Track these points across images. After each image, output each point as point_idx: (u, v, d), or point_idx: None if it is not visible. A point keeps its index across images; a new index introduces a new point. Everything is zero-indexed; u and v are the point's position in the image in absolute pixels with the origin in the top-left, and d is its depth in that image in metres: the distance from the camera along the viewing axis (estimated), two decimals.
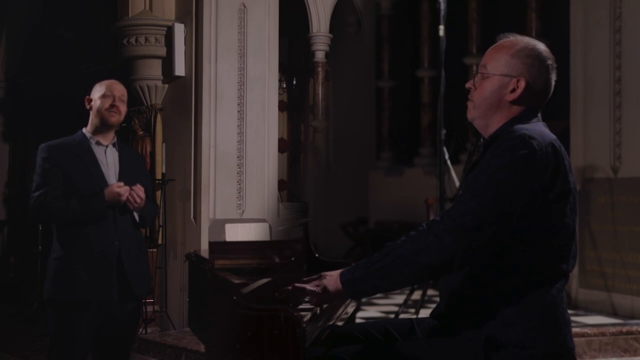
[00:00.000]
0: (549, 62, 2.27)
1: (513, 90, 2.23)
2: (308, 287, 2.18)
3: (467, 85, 2.32)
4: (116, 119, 3.46)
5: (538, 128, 2.18)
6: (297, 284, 2.22)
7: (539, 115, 2.28)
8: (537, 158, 2.06)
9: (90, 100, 3.49)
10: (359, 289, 2.10)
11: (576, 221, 2.17)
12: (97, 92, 3.47)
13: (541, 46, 2.29)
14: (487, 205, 2.03)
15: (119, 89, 3.50)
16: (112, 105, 3.43)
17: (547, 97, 2.28)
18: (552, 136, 2.18)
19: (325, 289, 2.14)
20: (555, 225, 2.11)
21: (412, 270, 2.05)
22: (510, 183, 2.04)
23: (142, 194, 3.40)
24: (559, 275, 2.15)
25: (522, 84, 2.22)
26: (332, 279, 2.14)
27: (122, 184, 3.37)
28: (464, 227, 2.02)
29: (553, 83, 2.29)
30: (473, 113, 2.30)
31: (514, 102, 2.23)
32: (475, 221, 2.02)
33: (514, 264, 2.10)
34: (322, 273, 2.22)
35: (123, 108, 3.49)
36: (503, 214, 2.03)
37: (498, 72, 2.24)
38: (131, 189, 3.37)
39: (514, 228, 2.06)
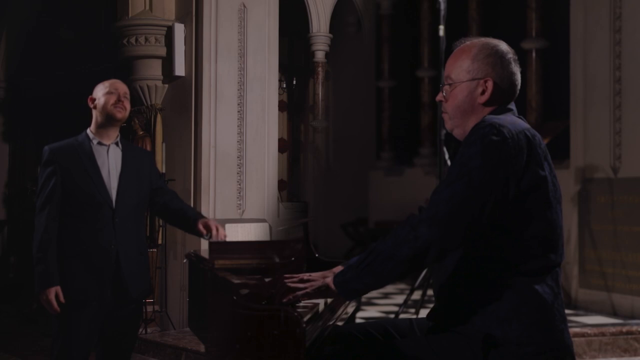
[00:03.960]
0: (510, 55, 2.29)
1: (483, 92, 2.25)
2: (298, 285, 2.24)
3: (438, 98, 2.36)
4: (122, 114, 3.45)
5: (509, 118, 2.20)
6: (286, 282, 2.27)
7: (514, 109, 2.30)
8: (508, 145, 2.07)
9: (93, 100, 3.48)
10: (351, 289, 2.17)
11: (559, 210, 2.18)
12: (101, 90, 3.47)
13: (498, 43, 2.31)
14: (460, 193, 2.05)
15: (123, 87, 3.51)
16: (117, 101, 3.43)
17: (515, 90, 2.31)
18: (525, 125, 2.19)
19: (320, 287, 2.21)
20: (536, 214, 2.12)
21: (394, 264, 2.09)
22: (482, 170, 2.05)
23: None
24: (549, 266, 2.15)
25: (490, 84, 2.25)
26: (329, 280, 2.21)
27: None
28: (437, 216, 2.04)
29: (519, 75, 2.31)
30: (450, 124, 2.33)
31: (486, 104, 2.26)
32: (449, 209, 2.04)
33: (501, 257, 2.11)
34: (309, 275, 2.30)
35: (128, 105, 3.49)
36: (476, 201, 2.05)
37: (464, 78, 2.27)
38: None
39: (494, 218, 2.07)
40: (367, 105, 10.16)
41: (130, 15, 6.46)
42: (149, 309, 6.05)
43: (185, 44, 6.29)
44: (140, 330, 5.77)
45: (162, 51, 6.44)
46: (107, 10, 7.63)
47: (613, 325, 5.87)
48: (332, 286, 2.18)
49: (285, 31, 7.23)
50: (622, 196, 6.37)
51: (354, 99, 9.97)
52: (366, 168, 10.09)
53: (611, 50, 6.47)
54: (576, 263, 6.75)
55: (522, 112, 8.08)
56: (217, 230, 3.42)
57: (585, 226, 6.65)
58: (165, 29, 6.40)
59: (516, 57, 2.30)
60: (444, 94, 2.32)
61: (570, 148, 6.85)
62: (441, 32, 5.91)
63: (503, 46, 2.29)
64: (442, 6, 5.88)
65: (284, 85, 8.95)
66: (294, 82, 9.36)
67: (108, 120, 3.44)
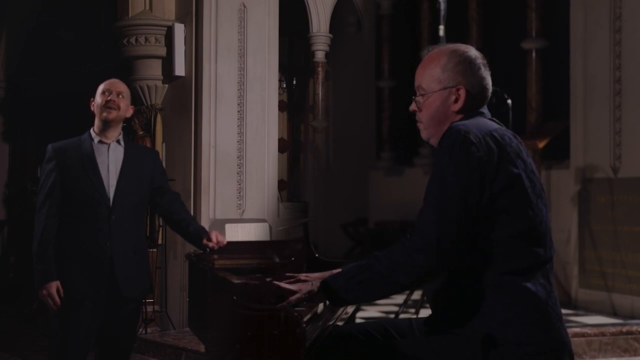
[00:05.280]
0: (479, 60, 2.29)
1: (456, 100, 2.27)
2: (289, 287, 2.24)
3: (411, 108, 2.37)
4: (114, 114, 3.42)
5: (476, 122, 2.21)
6: (276, 283, 2.28)
7: (486, 112, 2.31)
8: (476, 149, 2.09)
9: (92, 102, 3.49)
10: (340, 298, 2.19)
11: (541, 205, 2.18)
12: (98, 92, 3.48)
13: (466, 48, 2.31)
14: (445, 209, 2.06)
15: (117, 86, 3.48)
16: (107, 102, 3.42)
17: (487, 94, 2.32)
18: (493, 127, 2.19)
19: (312, 291, 2.22)
20: (516, 212, 2.12)
21: (388, 285, 2.12)
22: (458, 180, 2.07)
23: None
24: (539, 263, 2.15)
25: (462, 92, 2.26)
26: (317, 283, 2.23)
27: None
28: (432, 242, 2.05)
29: (489, 79, 2.32)
30: (426, 133, 2.35)
31: (459, 111, 2.27)
32: (440, 231, 2.05)
33: (488, 259, 2.11)
34: (306, 275, 2.31)
35: (122, 103, 3.46)
36: (462, 211, 2.06)
37: (436, 88, 2.28)
38: None
39: (477, 222, 2.08)
40: (367, 105, 10.16)
41: (130, 15, 6.46)
42: (149, 309, 6.05)
43: (185, 44, 6.29)
44: (140, 330, 5.77)
45: (162, 51, 6.44)
46: (107, 10, 7.63)
47: (613, 325, 5.87)
48: (321, 292, 2.20)
49: (285, 31, 7.23)
50: (622, 196, 6.37)
51: (354, 99, 9.97)
52: (366, 168, 10.09)
53: (611, 50, 6.47)
54: (576, 263, 6.75)
55: (522, 112, 8.09)
56: (217, 239, 3.41)
57: (585, 226, 6.65)
58: (165, 29, 6.40)
59: (485, 62, 2.31)
60: (417, 104, 2.33)
61: (570, 148, 6.85)
62: (441, 32, 5.91)
63: (472, 52, 2.30)
64: (442, 6, 5.88)
65: (284, 85, 8.95)
66: (294, 82, 9.36)
67: (103, 120, 3.44)
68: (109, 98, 3.42)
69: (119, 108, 3.44)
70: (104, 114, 3.42)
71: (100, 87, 3.48)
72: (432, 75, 2.28)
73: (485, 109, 2.31)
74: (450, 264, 2.09)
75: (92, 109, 3.49)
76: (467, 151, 2.08)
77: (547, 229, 2.18)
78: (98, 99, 3.45)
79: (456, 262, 2.09)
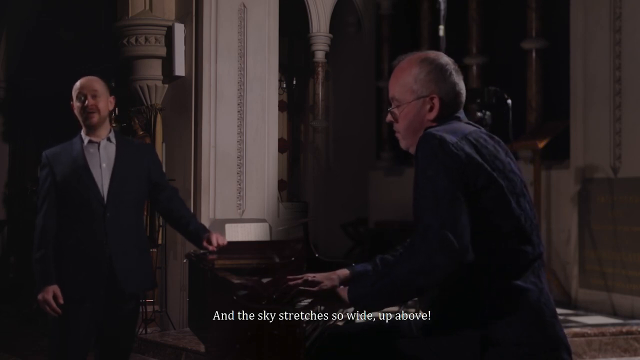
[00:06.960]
0: (450, 66, 2.30)
1: (431, 109, 2.28)
2: (309, 289, 2.25)
3: (388, 120, 2.38)
4: (96, 118, 3.38)
5: (450, 127, 2.23)
6: (293, 285, 2.27)
7: (461, 116, 2.32)
8: (454, 150, 2.11)
9: (73, 105, 3.47)
10: (363, 305, 2.24)
11: (524, 202, 2.19)
12: (73, 95, 3.43)
13: (436, 56, 2.33)
14: (444, 211, 2.07)
15: (89, 85, 3.41)
16: (84, 108, 3.38)
17: (461, 99, 2.33)
18: (468, 130, 2.21)
19: (329, 293, 2.25)
20: (498, 212, 2.13)
21: (410, 290, 2.15)
22: (448, 181, 2.08)
23: None
24: (528, 261, 2.16)
25: (436, 100, 2.27)
26: (342, 291, 2.25)
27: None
28: (445, 242, 2.04)
29: (462, 84, 2.33)
30: (405, 143, 2.39)
31: (434, 119, 2.29)
32: (447, 230, 2.05)
33: (483, 258, 2.12)
34: (313, 276, 2.31)
35: (101, 103, 3.39)
36: (460, 209, 2.07)
37: (410, 98, 2.29)
38: None
39: (471, 220, 2.09)
40: (367, 105, 10.14)
41: (130, 15, 6.47)
42: (149, 309, 6.05)
43: (185, 44, 6.29)
44: (140, 330, 5.78)
45: (162, 51, 6.44)
46: (107, 10, 7.64)
47: (613, 325, 5.87)
48: (345, 298, 2.22)
49: (285, 31, 7.23)
50: (622, 196, 6.37)
51: (354, 99, 9.96)
52: (366, 168, 10.07)
53: (611, 50, 6.47)
54: (576, 263, 6.75)
55: (522, 112, 8.08)
56: (217, 241, 3.40)
57: (585, 226, 6.64)
58: (165, 29, 6.40)
59: (456, 67, 2.32)
60: (393, 115, 2.34)
61: (570, 148, 6.85)
62: (441, 32, 5.90)
63: (442, 59, 2.31)
64: (442, 6, 5.88)
65: (284, 85, 8.96)
66: (294, 82, 9.36)
67: (86, 125, 3.43)
68: (85, 103, 3.37)
69: (98, 110, 3.39)
70: (87, 121, 3.40)
71: (74, 90, 3.42)
72: (405, 86, 2.29)
73: (461, 113, 2.33)
74: (467, 260, 2.07)
75: (75, 112, 3.47)
76: (448, 152, 2.10)
77: (532, 226, 2.19)
78: (76, 103, 3.42)
79: (472, 257, 2.08)
